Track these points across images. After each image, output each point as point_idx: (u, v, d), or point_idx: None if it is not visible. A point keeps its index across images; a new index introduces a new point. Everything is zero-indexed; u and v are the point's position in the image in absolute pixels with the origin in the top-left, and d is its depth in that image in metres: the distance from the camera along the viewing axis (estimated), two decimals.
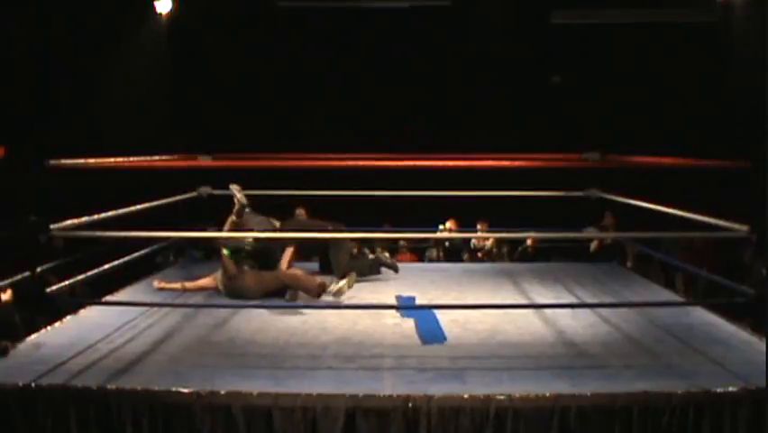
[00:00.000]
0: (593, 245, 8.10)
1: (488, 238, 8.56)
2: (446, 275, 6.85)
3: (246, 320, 5.15)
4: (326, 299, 5.72)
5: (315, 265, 6.80)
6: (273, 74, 10.23)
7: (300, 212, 7.27)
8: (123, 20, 9.48)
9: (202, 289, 5.99)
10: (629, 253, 7.91)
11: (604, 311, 5.27)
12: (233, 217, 5.79)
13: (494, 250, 8.65)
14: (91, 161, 5.00)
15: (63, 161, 4.66)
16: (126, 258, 5.93)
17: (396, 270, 6.69)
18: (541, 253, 8.53)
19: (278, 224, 6.51)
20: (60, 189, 7.56)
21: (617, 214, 8.20)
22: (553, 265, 7.91)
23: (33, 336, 4.66)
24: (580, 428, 3.64)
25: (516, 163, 6.02)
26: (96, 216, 4.77)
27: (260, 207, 8.35)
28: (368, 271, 6.55)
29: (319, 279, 5.85)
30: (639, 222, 7.04)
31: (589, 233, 7.86)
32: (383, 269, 6.71)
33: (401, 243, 8.80)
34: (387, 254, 6.97)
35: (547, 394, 3.68)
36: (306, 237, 6.23)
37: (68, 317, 5.09)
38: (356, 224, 6.68)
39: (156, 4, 9.90)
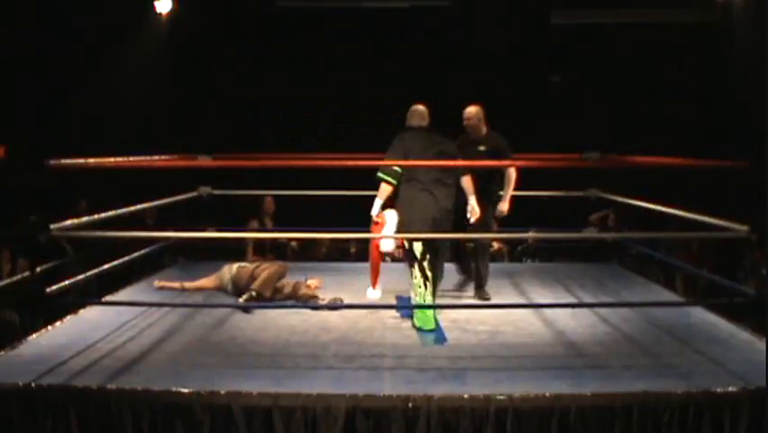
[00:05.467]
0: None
1: None
2: (446, 275, 6.82)
3: (246, 320, 5.15)
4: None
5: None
6: (273, 74, 10.22)
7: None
8: (123, 20, 9.48)
9: (202, 288, 5.99)
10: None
11: (604, 311, 5.27)
12: None
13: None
14: (91, 161, 4.99)
15: (63, 161, 4.66)
16: (126, 258, 5.92)
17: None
18: (542, 253, 8.53)
19: None
20: (60, 189, 7.57)
21: (617, 213, 8.22)
22: (552, 265, 7.92)
23: (33, 336, 4.67)
24: (579, 428, 3.64)
25: (517, 163, 6.01)
26: (96, 216, 4.77)
27: (257, 207, 8.37)
28: None
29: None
30: (639, 222, 7.05)
31: (589, 233, 7.87)
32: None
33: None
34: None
35: (547, 394, 3.68)
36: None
37: (68, 317, 5.09)
38: (357, 224, 6.68)
39: (156, 4, 9.90)
